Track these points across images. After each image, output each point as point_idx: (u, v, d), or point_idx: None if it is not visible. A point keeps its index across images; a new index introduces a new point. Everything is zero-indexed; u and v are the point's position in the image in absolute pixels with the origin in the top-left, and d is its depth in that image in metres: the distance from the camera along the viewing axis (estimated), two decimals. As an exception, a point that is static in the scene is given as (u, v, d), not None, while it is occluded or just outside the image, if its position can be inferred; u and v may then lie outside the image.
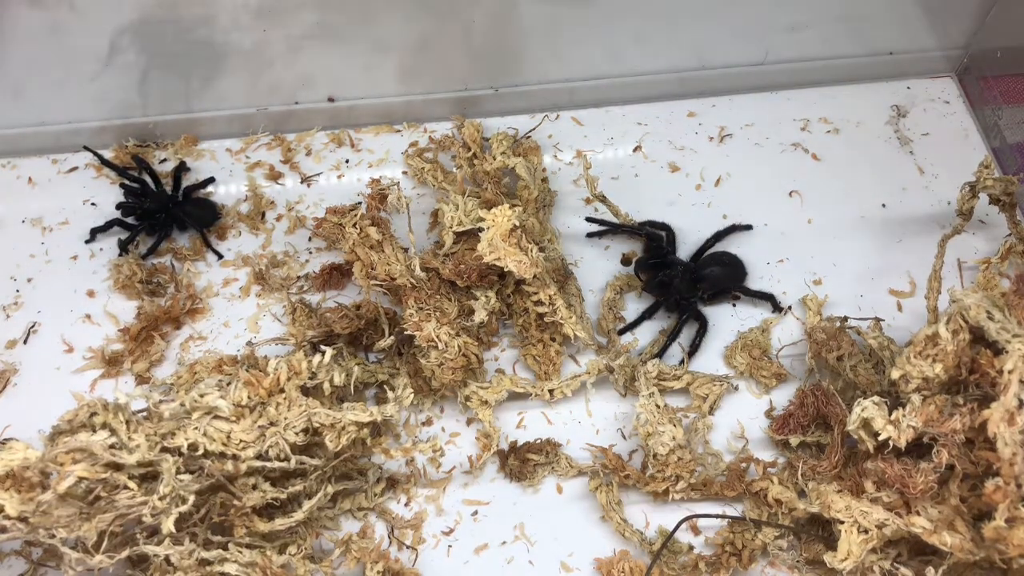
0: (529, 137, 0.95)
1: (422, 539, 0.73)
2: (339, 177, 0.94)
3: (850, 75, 1.00)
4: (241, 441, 0.65)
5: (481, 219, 0.74)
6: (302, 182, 0.93)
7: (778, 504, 0.71)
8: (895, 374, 0.67)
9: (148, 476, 0.63)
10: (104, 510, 0.61)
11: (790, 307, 0.85)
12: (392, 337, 0.77)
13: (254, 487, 0.66)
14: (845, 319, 0.80)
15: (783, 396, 0.79)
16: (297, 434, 0.66)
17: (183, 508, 0.62)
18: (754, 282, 0.86)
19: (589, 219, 0.89)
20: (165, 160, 0.94)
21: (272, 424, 0.65)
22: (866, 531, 0.65)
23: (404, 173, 0.94)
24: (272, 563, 0.65)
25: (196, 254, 0.88)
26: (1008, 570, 0.64)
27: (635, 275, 0.85)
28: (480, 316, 0.77)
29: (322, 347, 0.70)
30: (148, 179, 0.90)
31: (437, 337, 0.72)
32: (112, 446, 0.61)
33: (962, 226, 0.80)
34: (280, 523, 0.67)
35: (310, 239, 0.89)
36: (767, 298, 0.84)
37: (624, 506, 0.74)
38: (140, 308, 0.83)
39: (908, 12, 0.96)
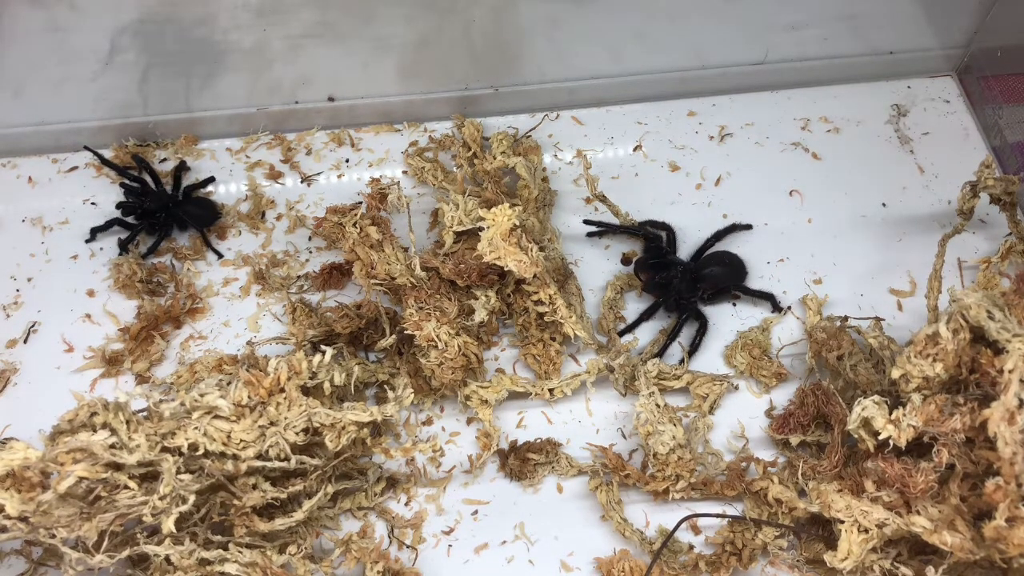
0: (529, 136, 0.95)
1: (422, 539, 0.73)
2: (339, 176, 0.94)
3: (850, 74, 1.00)
4: (241, 441, 0.65)
5: (481, 218, 0.74)
6: (302, 181, 0.93)
7: (778, 503, 0.71)
8: (895, 373, 0.67)
9: (148, 476, 0.63)
10: (104, 510, 0.61)
11: (790, 307, 0.85)
12: (392, 337, 0.77)
13: (254, 487, 0.66)
14: (845, 318, 0.80)
15: (783, 395, 0.79)
16: (297, 434, 0.66)
17: (183, 508, 0.62)
18: (754, 282, 0.86)
19: (587, 221, 0.89)
20: (165, 160, 0.94)
21: (272, 424, 0.65)
22: (866, 530, 0.65)
23: (404, 172, 0.94)
24: (272, 563, 0.65)
25: (196, 253, 0.88)
26: (1008, 570, 0.64)
27: (635, 275, 0.85)
28: (480, 316, 0.77)
29: (322, 347, 0.70)
30: (148, 179, 0.90)
31: (437, 337, 0.72)
32: (112, 446, 0.61)
33: (962, 225, 0.80)
34: (280, 523, 0.67)
35: (310, 238, 0.89)
36: (767, 297, 0.84)
37: (624, 505, 0.74)
38: (140, 307, 0.83)
39: (908, 11, 0.96)
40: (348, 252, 0.77)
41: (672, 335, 0.82)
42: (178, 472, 0.62)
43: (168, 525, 0.62)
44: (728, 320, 0.84)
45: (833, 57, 0.99)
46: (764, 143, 0.96)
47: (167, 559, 0.65)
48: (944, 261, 0.76)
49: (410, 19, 0.89)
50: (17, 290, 0.85)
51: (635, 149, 0.96)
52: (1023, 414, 0.60)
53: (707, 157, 0.95)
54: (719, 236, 0.88)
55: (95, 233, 0.88)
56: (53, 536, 0.61)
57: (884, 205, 0.91)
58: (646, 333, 0.84)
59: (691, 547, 0.72)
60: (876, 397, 0.67)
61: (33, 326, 0.83)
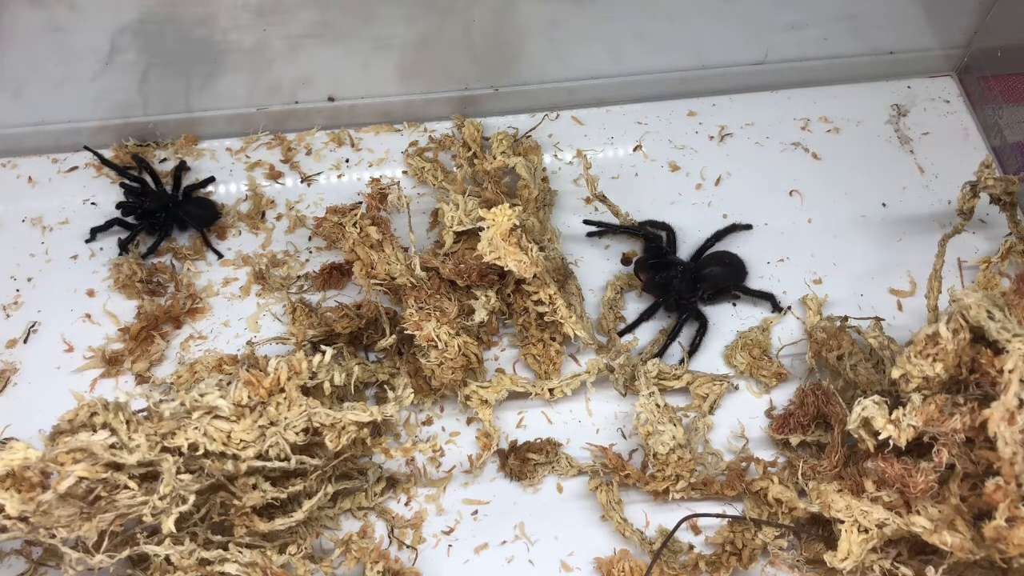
0: (529, 136, 0.95)
1: (422, 539, 0.73)
2: (339, 176, 0.94)
3: (850, 74, 1.00)
4: (241, 441, 0.65)
5: (481, 218, 0.74)
6: (302, 181, 0.93)
7: (778, 503, 0.71)
8: (895, 373, 0.67)
9: (148, 476, 0.63)
10: (104, 510, 0.61)
11: (790, 307, 0.85)
12: (392, 336, 0.77)
13: (254, 487, 0.66)
14: (845, 318, 0.80)
15: (783, 395, 0.79)
16: (297, 434, 0.66)
17: (183, 508, 0.62)
18: (754, 281, 0.86)
19: (587, 221, 0.89)
20: (165, 159, 0.94)
21: (272, 424, 0.65)
22: (866, 530, 0.65)
23: (404, 172, 0.94)
24: (272, 563, 0.65)
25: (196, 253, 0.88)
26: (1008, 570, 0.64)
27: (635, 275, 0.85)
28: (480, 315, 0.77)
29: (322, 347, 0.70)
30: (148, 178, 0.90)
31: (437, 336, 0.72)
32: (112, 446, 0.61)
33: (962, 225, 0.80)
34: (280, 523, 0.67)
35: (310, 238, 0.89)
36: (767, 297, 0.84)
37: (624, 505, 0.74)
38: (140, 307, 0.83)
39: (908, 11, 0.96)
40: (348, 252, 0.77)
41: (672, 335, 0.82)
42: (178, 472, 0.62)
43: (168, 525, 0.62)
44: (728, 320, 0.84)
45: (833, 57, 0.99)
46: (764, 143, 0.96)
47: (167, 559, 0.65)
48: (944, 261, 0.76)
49: (410, 19, 0.89)
50: (17, 290, 0.85)
51: (635, 149, 0.96)
52: (1023, 414, 0.60)
53: (707, 157, 0.95)
54: (719, 236, 0.88)
55: (95, 233, 0.88)
56: (53, 536, 0.61)
57: (884, 205, 0.91)
58: (646, 333, 0.84)
59: (691, 547, 0.72)
60: (876, 397, 0.67)
61: (33, 326, 0.83)
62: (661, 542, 0.71)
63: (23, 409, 0.79)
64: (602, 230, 0.88)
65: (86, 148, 0.93)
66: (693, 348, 0.82)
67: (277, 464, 0.66)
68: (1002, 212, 0.82)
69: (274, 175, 0.94)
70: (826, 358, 0.77)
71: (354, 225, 0.77)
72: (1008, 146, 0.94)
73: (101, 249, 0.88)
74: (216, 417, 0.64)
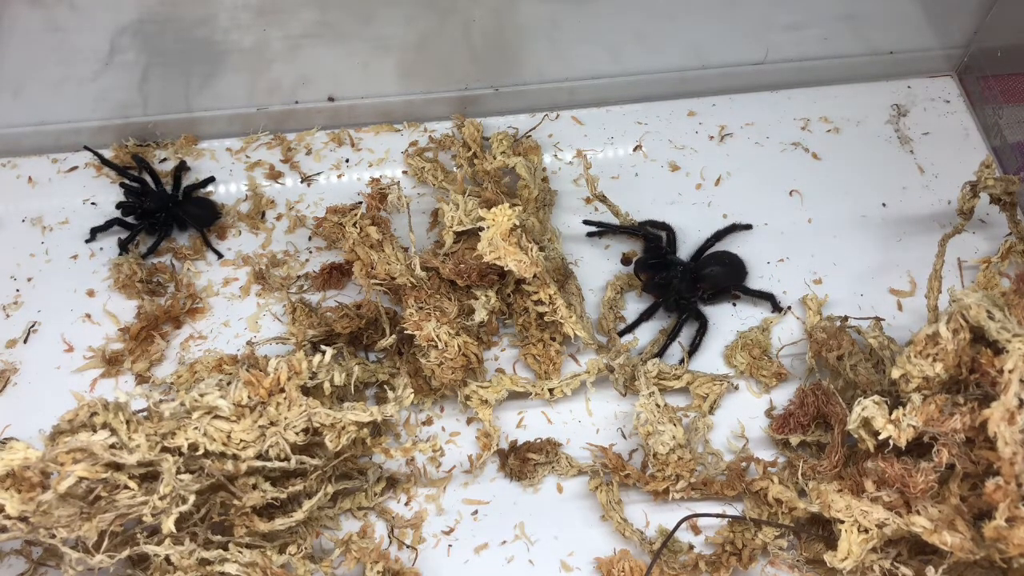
0: (529, 136, 0.95)
1: (422, 538, 0.73)
2: (339, 176, 0.94)
3: (850, 74, 1.00)
4: (241, 441, 0.65)
5: (481, 218, 0.74)
6: (302, 181, 0.93)
7: (778, 503, 0.71)
8: (895, 373, 0.67)
9: (148, 476, 0.63)
10: (104, 510, 0.61)
11: (790, 307, 0.85)
12: (392, 337, 0.77)
13: (254, 487, 0.66)
14: (845, 318, 0.80)
15: (783, 395, 0.79)
16: (297, 434, 0.66)
17: (183, 508, 0.62)
18: (754, 281, 0.86)
19: (587, 221, 0.89)
20: (165, 159, 0.94)
21: (272, 424, 0.65)
22: (866, 530, 0.65)
23: (404, 172, 0.94)
24: (272, 563, 0.65)
25: (196, 253, 0.88)
26: (1008, 570, 0.64)
27: (635, 275, 0.85)
28: (480, 315, 0.77)
29: (322, 347, 0.70)
30: (148, 178, 0.90)
31: (437, 336, 0.72)
32: (112, 446, 0.61)
33: (962, 225, 0.80)
34: (280, 523, 0.67)
35: (310, 238, 0.89)
36: (767, 297, 0.84)
37: (624, 505, 0.74)
38: (140, 307, 0.83)
39: (908, 11, 0.96)
40: (348, 252, 0.77)
41: (672, 335, 0.82)
42: (178, 472, 0.62)
43: (168, 525, 0.62)
44: (728, 320, 0.84)
45: (833, 57, 0.99)
46: (764, 143, 0.96)
47: (167, 559, 0.65)
48: (944, 261, 0.76)
49: (410, 19, 0.89)
50: (17, 290, 0.85)
51: (635, 149, 0.96)
52: (1023, 414, 0.60)
53: (707, 157, 0.95)
54: (719, 236, 0.88)
55: (95, 233, 0.88)
56: (53, 536, 0.61)
57: (884, 205, 0.91)
58: (646, 333, 0.84)
59: (691, 547, 0.72)
60: (876, 397, 0.67)
61: (33, 326, 0.83)
62: (661, 542, 0.71)
63: (23, 409, 0.79)
64: (602, 230, 0.88)
65: (86, 148, 0.93)
66: (693, 348, 0.82)
67: (277, 464, 0.66)
68: (1002, 212, 0.82)
69: (274, 175, 0.94)
70: (826, 358, 0.77)
71: (354, 225, 0.77)
72: (1008, 146, 0.94)
73: (101, 249, 0.88)
74: (216, 417, 0.64)
